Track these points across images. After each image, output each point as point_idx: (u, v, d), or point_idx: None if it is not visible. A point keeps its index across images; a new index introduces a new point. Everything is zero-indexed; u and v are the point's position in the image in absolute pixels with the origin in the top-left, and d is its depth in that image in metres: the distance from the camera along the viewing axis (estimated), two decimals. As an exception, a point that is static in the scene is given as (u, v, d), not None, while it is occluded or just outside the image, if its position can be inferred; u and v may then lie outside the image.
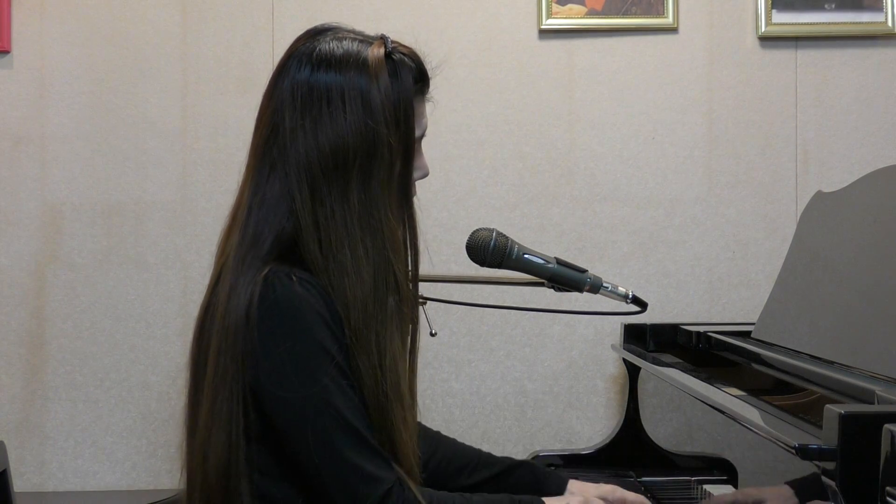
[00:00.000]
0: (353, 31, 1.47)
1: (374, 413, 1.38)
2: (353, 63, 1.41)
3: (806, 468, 1.29)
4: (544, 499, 1.52)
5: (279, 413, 1.35)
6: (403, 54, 1.45)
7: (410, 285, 1.46)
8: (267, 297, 1.34)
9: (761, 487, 1.62)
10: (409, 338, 1.47)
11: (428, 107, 1.53)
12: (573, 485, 1.66)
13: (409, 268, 1.46)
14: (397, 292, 1.42)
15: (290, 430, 1.35)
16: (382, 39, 1.45)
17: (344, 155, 1.38)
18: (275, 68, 1.47)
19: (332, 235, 1.38)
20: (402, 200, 1.45)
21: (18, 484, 2.42)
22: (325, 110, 1.39)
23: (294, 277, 1.35)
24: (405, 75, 1.43)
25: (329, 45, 1.43)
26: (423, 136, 1.49)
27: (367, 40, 1.45)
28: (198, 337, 1.45)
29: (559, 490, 1.64)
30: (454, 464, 1.65)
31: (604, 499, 1.62)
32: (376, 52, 1.42)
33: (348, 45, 1.43)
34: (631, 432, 2.33)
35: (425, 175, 1.51)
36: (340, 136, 1.39)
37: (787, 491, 1.45)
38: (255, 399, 1.36)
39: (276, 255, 1.38)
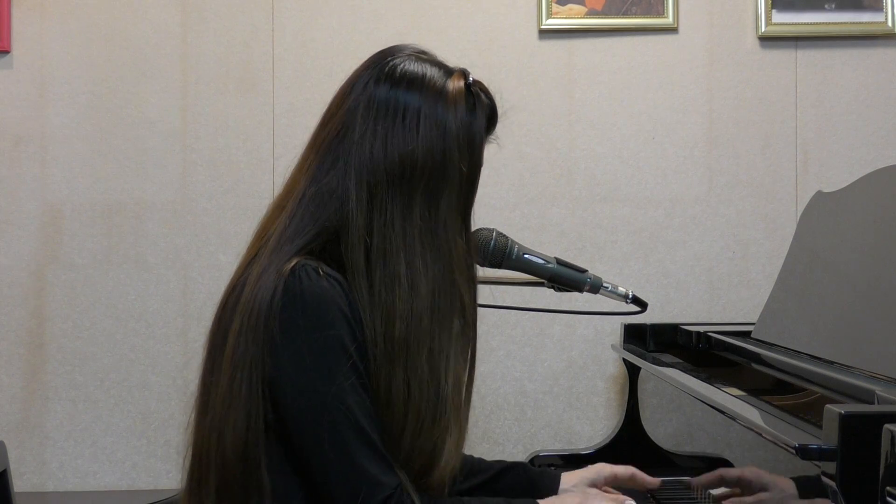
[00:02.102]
0: (435, 57, 1.50)
1: (411, 429, 1.38)
2: (433, 88, 1.43)
3: (806, 468, 1.29)
4: (538, 501, 1.53)
5: (292, 406, 1.35)
6: (481, 90, 1.48)
7: (475, 311, 1.47)
8: (292, 289, 1.34)
9: (763, 472, 1.62)
10: (471, 364, 1.48)
11: None
12: (565, 477, 1.66)
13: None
14: (463, 316, 1.43)
15: (300, 424, 1.35)
16: (463, 72, 1.47)
17: (411, 167, 1.39)
18: (351, 74, 1.48)
19: (387, 244, 1.38)
20: (462, 226, 1.46)
21: (18, 484, 2.42)
22: (399, 122, 1.41)
23: (321, 272, 1.35)
24: (480, 111, 1.46)
25: (412, 66, 1.45)
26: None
27: (448, 69, 1.47)
28: (220, 315, 1.45)
29: (552, 487, 1.65)
30: None
31: (594, 483, 1.64)
32: (457, 83, 1.45)
33: (431, 71, 1.45)
34: (631, 432, 2.33)
35: None
36: (410, 147, 1.40)
37: (789, 484, 1.45)
38: (271, 389, 1.36)
39: (311, 248, 1.39)
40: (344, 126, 1.43)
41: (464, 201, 1.45)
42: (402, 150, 1.39)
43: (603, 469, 1.67)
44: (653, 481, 1.70)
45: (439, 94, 1.43)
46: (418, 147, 1.40)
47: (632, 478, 1.69)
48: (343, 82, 1.49)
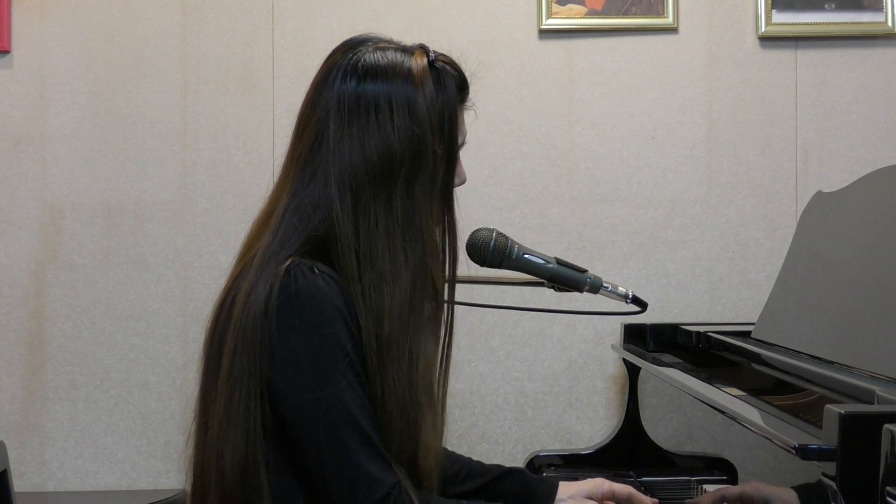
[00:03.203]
0: (392, 41, 1.49)
1: (399, 421, 1.38)
2: (398, 73, 1.42)
3: (806, 469, 1.29)
4: None
5: (290, 405, 1.35)
6: (445, 63, 1.47)
7: (446, 290, 1.47)
8: (288, 288, 1.34)
9: (764, 486, 1.62)
10: (441, 343, 1.48)
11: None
12: (563, 487, 1.66)
13: (447, 273, 1.47)
14: (434, 298, 1.43)
15: (299, 424, 1.35)
16: (423, 49, 1.47)
17: (390, 162, 1.40)
18: (315, 78, 1.47)
19: (373, 245, 1.39)
20: (442, 206, 1.46)
21: (18, 484, 2.42)
22: (372, 119, 1.40)
23: (316, 270, 1.35)
24: (448, 83, 1.45)
25: (373, 56, 1.44)
26: (463, 143, 1.51)
27: (408, 50, 1.47)
28: (211, 331, 1.45)
29: (549, 495, 1.64)
30: (446, 472, 1.65)
31: (591, 496, 1.64)
32: (420, 61, 1.44)
33: (392, 56, 1.44)
34: (631, 432, 2.33)
35: (463, 182, 1.53)
36: (387, 143, 1.40)
37: (791, 495, 1.45)
38: (269, 389, 1.36)
39: (301, 253, 1.38)
40: (318, 135, 1.42)
41: (442, 181, 1.45)
42: (380, 148, 1.40)
43: (602, 485, 1.66)
44: (650, 502, 1.70)
45: (405, 77, 1.42)
46: (394, 141, 1.40)
47: (629, 497, 1.68)
48: (310, 84, 1.48)
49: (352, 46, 1.47)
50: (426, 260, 1.41)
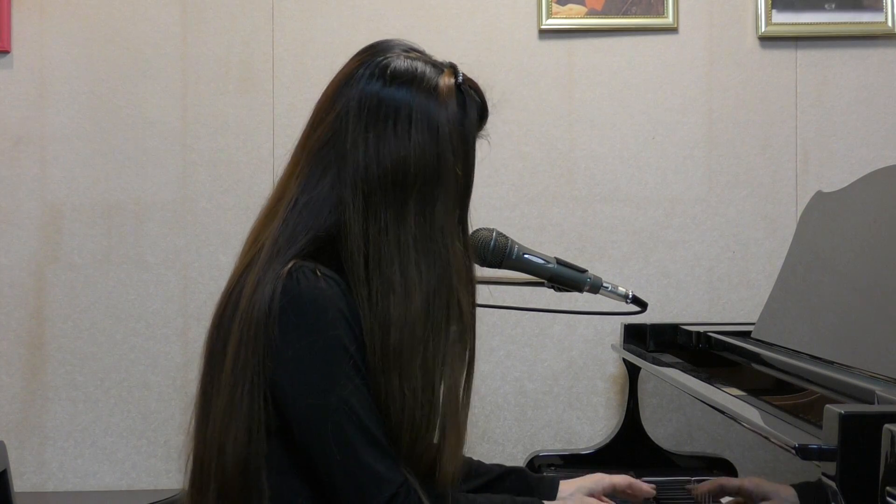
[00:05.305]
0: (423, 53, 1.47)
1: (409, 436, 1.37)
2: (424, 86, 1.41)
3: (806, 469, 1.29)
4: (544, 502, 1.55)
5: (295, 408, 1.35)
6: (471, 87, 1.46)
7: (473, 315, 1.45)
8: (290, 291, 1.33)
9: (764, 482, 1.62)
10: (469, 368, 1.46)
11: None
12: (563, 485, 1.67)
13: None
14: (460, 321, 1.41)
15: (305, 426, 1.35)
16: (453, 68, 1.45)
17: (404, 174, 1.38)
18: (339, 72, 1.46)
19: (383, 251, 1.37)
20: (459, 229, 1.45)
21: (18, 484, 2.43)
22: (390, 127, 1.39)
23: (318, 273, 1.35)
24: (471, 109, 1.44)
25: (402, 63, 1.42)
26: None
27: (438, 65, 1.45)
28: (216, 324, 1.44)
29: (550, 493, 1.65)
30: None
31: (592, 492, 1.65)
32: (448, 80, 1.42)
33: (421, 67, 1.43)
34: (631, 432, 2.33)
35: None
36: (403, 154, 1.38)
37: (790, 492, 1.45)
38: (273, 391, 1.36)
39: (306, 253, 1.38)
40: (335, 132, 1.41)
41: (460, 203, 1.44)
42: (394, 157, 1.38)
43: (602, 479, 1.67)
44: (649, 490, 1.70)
45: (431, 92, 1.40)
46: (410, 154, 1.38)
47: (629, 487, 1.69)
48: (332, 79, 1.46)
49: (382, 49, 1.45)
50: (450, 280, 1.39)
